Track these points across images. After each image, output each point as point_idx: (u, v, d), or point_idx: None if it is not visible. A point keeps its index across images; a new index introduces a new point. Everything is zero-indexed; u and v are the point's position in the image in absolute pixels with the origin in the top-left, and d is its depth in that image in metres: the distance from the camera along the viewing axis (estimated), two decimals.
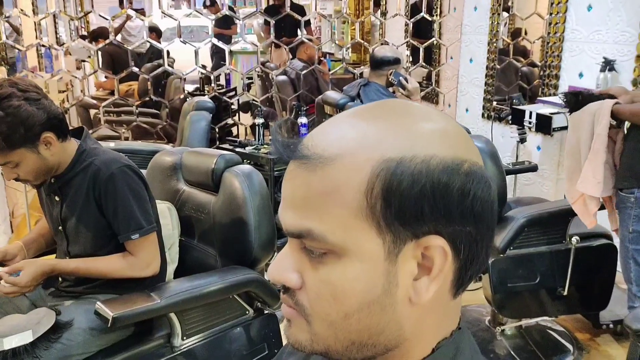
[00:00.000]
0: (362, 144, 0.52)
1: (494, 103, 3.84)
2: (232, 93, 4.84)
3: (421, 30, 4.55)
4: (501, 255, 2.18)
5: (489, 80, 3.86)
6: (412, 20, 4.37)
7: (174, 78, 4.50)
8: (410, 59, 4.83)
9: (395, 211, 0.50)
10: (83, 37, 6.59)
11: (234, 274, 1.76)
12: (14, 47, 3.61)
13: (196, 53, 3.87)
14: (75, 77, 4.21)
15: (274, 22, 4.07)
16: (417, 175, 0.50)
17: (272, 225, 1.87)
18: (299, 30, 4.28)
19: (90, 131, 4.22)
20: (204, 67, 4.44)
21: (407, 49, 4.81)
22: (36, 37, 4.22)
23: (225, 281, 1.71)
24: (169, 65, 4.44)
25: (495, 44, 3.76)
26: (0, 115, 1.46)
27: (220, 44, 4.38)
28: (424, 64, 4.43)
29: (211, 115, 3.00)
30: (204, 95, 4.19)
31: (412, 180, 0.50)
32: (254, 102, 4.24)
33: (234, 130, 4.83)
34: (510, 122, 3.26)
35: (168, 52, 6.15)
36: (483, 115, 3.97)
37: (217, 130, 4.15)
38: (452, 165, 0.51)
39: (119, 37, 6.07)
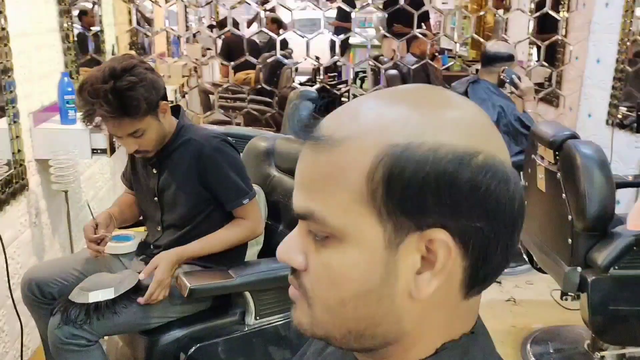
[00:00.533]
0: (371, 127, 0.50)
1: (622, 109, 3.50)
2: (344, 85, 4.87)
3: (547, 27, 4.25)
4: (603, 274, 1.99)
5: (616, 83, 3.53)
6: (533, 16, 4.11)
7: (287, 68, 4.62)
8: (536, 58, 4.55)
9: (397, 199, 0.48)
10: (211, 27, 6.99)
11: None
12: (143, 33, 3.89)
13: (307, 45, 3.93)
14: (194, 64, 4.45)
15: (386, 15, 4.02)
16: (422, 164, 0.48)
17: None
18: (418, 25, 4.20)
19: (207, 114, 4.49)
20: (317, 58, 4.51)
21: (531, 47, 4.54)
22: (165, 24, 4.54)
23: None
24: (284, 56, 4.57)
25: (627, 44, 3.43)
26: (134, 80, 1.57)
27: (332, 36, 4.41)
28: (544, 63, 4.14)
29: (314, 105, 3.04)
30: (312, 85, 4.26)
31: (416, 168, 0.48)
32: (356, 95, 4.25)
33: None
34: (635, 130, 2.96)
35: (287, 43, 6.36)
36: (607, 121, 3.64)
37: None
38: (463, 156, 0.48)
39: (254, 27, 6.31)
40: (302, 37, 3.97)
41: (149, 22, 4.33)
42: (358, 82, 6.17)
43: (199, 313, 1.74)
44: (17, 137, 2.17)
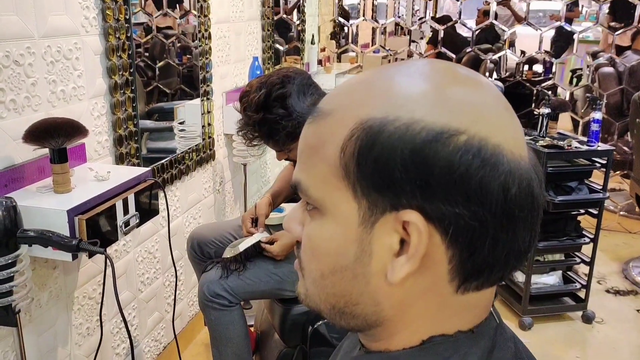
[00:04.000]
0: (356, 99, 0.48)
1: None
2: (550, 81, 4.48)
3: None
4: None
5: None
6: None
7: (486, 62, 4.43)
8: None
9: (368, 175, 0.46)
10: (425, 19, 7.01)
11: None
12: (342, 25, 4.06)
13: (471, 35, 3.70)
14: (393, 55, 4.49)
15: (606, 7, 3.58)
16: (393, 139, 0.45)
17: None
18: None
19: None
20: (522, 53, 4.25)
21: None
22: (372, 17, 4.68)
23: None
24: (489, 50, 4.40)
25: None
26: (283, 114, 1.61)
27: (518, 29, 4.08)
28: None
29: None
30: (505, 80, 4.01)
31: (386, 143, 0.45)
32: (543, 90, 3.89)
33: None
34: None
35: (498, 36, 6.07)
36: None
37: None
38: (438, 133, 0.44)
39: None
40: (503, 30, 3.75)
41: (347, 14, 4.51)
42: (574, 80, 5.61)
43: None
44: (208, 112, 2.46)
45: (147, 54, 2.25)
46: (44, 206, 1.31)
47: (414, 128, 0.44)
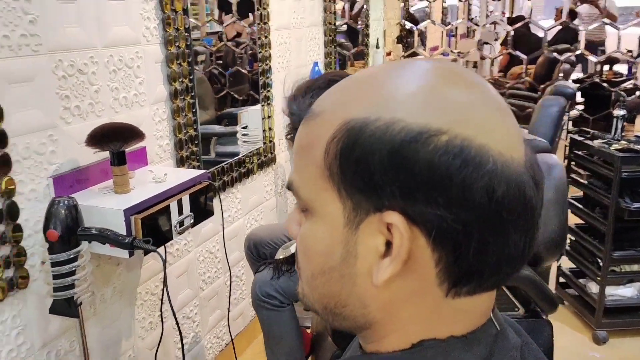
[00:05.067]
0: (343, 100, 0.49)
1: None
2: (630, 83, 4.22)
3: None
4: None
5: None
6: None
7: (562, 63, 4.23)
8: None
9: (350, 176, 0.46)
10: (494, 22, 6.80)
11: None
12: (408, 29, 4.03)
13: (544, 35, 3.52)
14: (460, 57, 4.40)
15: None
16: (372, 140, 0.44)
17: (562, 225, 1.65)
18: None
19: None
20: (603, 52, 4.03)
21: None
22: (441, 20, 4.60)
23: None
24: (566, 50, 4.22)
25: None
26: None
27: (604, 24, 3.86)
28: None
29: (569, 101, 2.73)
30: (583, 81, 3.82)
31: (366, 144, 0.45)
32: (617, 91, 3.66)
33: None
34: None
35: (576, 36, 5.79)
36: None
37: (590, 120, 3.77)
38: (418, 133, 0.43)
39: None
40: (578, 29, 3.58)
41: (414, 18, 4.46)
42: None
43: None
44: (268, 117, 2.51)
45: (219, 62, 2.35)
46: (104, 206, 1.40)
47: (393, 128, 0.44)
